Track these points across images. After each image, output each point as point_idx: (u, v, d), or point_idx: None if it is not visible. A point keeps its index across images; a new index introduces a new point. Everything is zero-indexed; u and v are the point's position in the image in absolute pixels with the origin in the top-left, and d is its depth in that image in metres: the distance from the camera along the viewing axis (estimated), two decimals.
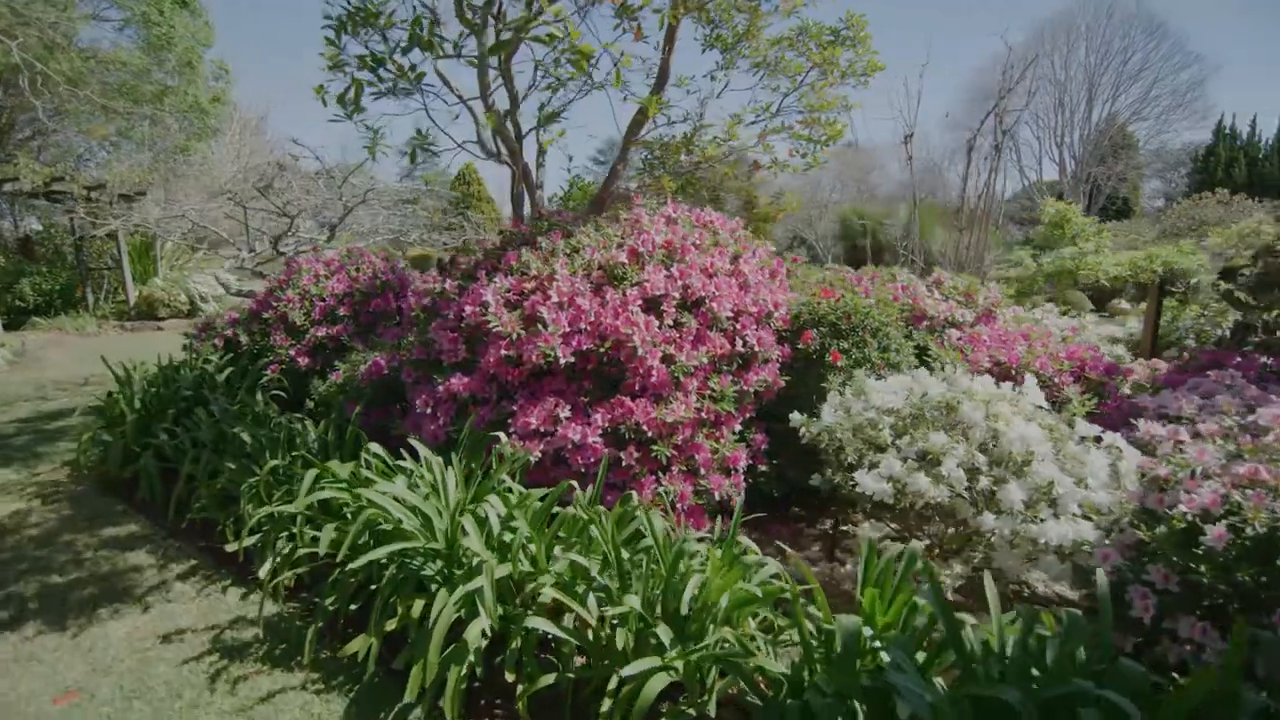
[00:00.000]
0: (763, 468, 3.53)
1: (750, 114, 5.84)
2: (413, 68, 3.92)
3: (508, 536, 2.39)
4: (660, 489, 3.03)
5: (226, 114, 12.79)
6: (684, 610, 2.03)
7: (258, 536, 3.05)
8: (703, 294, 3.33)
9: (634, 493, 2.95)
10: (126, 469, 4.27)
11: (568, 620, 2.22)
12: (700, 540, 2.62)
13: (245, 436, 3.56)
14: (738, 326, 3.38)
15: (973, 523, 2.57)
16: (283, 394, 4.89)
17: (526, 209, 5.32)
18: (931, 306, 4.19)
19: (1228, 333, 6.04)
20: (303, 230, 6.81)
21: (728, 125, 5.61)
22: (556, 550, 2.37)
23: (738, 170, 6.16)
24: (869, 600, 1.95)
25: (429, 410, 3.20)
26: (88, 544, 3.62)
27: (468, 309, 3.23)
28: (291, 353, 5.23)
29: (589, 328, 3.07)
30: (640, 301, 3.18)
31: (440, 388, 3.19)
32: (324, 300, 5.41)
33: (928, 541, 3.01)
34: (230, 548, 3.02)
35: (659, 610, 2.15)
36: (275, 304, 5.39)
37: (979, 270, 7.22)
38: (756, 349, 3.37)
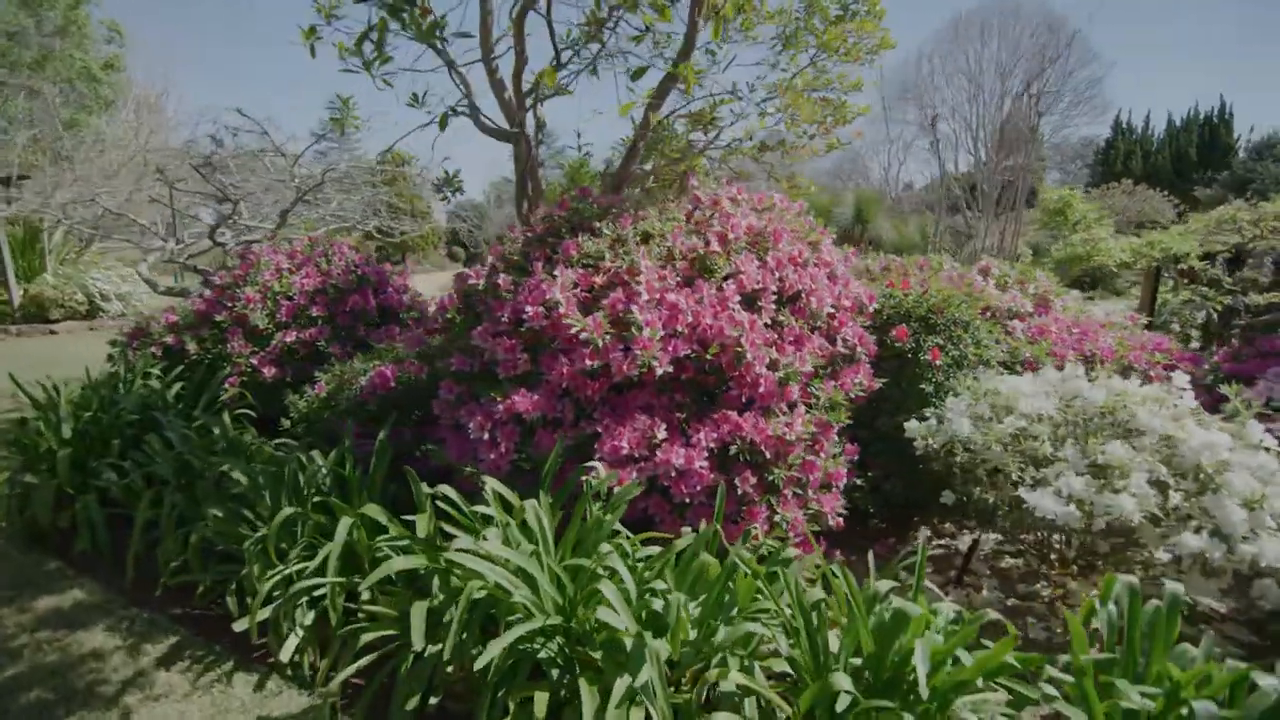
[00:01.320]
0: (858, 482, 3.15)
1: (763, 91, 5.43)
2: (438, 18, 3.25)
3: (657, 603, 1.87)
4: (778, 517, 2.58)
5: (123, 85, 11.17)
6: (922, 689, 1.60)
7: (271, 607, 2.38)
8: (799, 287, 2.89)
9: (755, 525, 2.50)
10: (60, 517, 3.39)
11: (748, 709, 1.74)
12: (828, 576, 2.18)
13: (239, 475, 2.82)
14: (835, 324, 2.97)
15: (1152, 543, 2.27)
16: (250, 412, 4.08)
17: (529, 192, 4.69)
18: (995, 297, 3.93)
19: (1215, 315, 6.22)
20: (244, 217, 5.85)
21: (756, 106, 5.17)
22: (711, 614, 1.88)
23: (762, 153, 5.74)
24: (1161, 668, 1.58)
25: (486, 435, 2.60)
26: (20, 623, 2.79)
27: (529, 309, 2.65)
28: (254, 361, 4.40)
29: (686, 330, 2.57)
30: (738, 298, 2.71)
31: (500, 406, 2.60)
32: (291, 298, 4.59)
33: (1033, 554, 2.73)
34: (239, 626, 2.32)
35: (869, 684, 1.71)
36: (231, 304, 4.53)
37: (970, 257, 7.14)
38: (857, 348, 2.97)
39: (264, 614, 2.37)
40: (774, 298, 2.81)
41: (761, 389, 2.61)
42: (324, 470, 2.88)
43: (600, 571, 1.98)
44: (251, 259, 4.74)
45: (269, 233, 5.64)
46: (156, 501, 3.16)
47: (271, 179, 5.93)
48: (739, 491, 2.52)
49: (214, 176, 5.51)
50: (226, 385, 4.27)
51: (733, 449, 2.56)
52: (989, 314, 3.90)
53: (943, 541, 3.29)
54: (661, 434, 2.52)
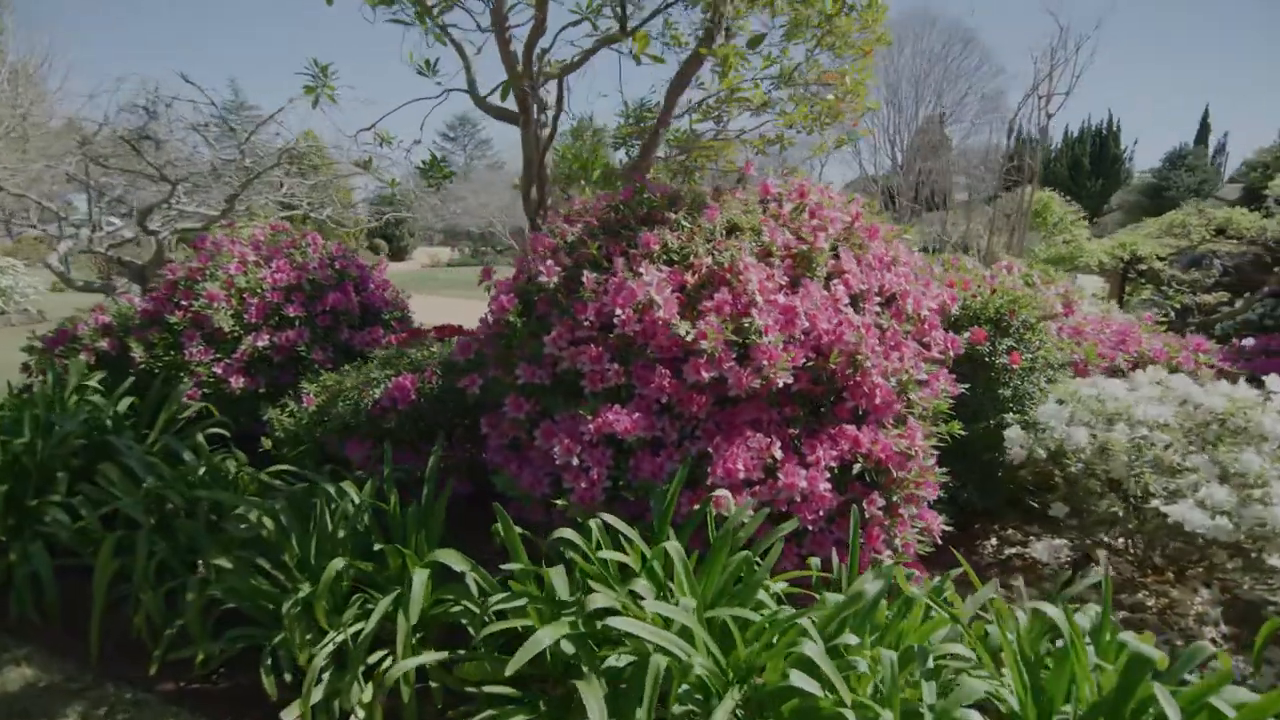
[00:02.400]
0: (940, 494, 2.99)
1: (763, 81, 5.21)
2: None
3: (859, 663, 1.58)
4: (897, 540, 2.36)
5: None
6: None
7: (322, 686, 1.92)
8: (894, 288, 2.68)
9: (877, 551, 2.27)
10: None
11: None
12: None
13: (255, 516, 2.28)
14: (925, 327, 2.78)
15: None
16: (221, 430, 3.45)
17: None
18: (1043, 299, 3.90)
19: (1173, 314, 6.62)
20: (180, 200, 4.98)
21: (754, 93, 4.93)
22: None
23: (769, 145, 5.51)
24: None
25: (575, 460, 2.21)
26: None
27: (620, 312, 2.28)
28: (218, 370, 3.75)
29: (801, 336, 2.30)
30: (846, 300, 2.46)
31: (590, 426, 2.22)
32: (261, 296, 3.95)
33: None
34: (290, 716, 1.84)
35: None
36: (187, 302, 3.83)
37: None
38: (949, 352, 2.80)
39: (317, 694, 1.89)
40: (878, 300, 2.58)
41: (878, 399, 2.37)
42: (356, 504, 2.39)
43: (766, 625, 1.68)
44: (213, 247, 4.04)
45: (214, 220, 4.86)
46: (127, 545, 2.55)
47: (222, 156, 5.11)
48: (865, 514, 2.28)
49: (143, 153, 4.64)
50: (187, 399, 3.60)
51: (856, 467, 2.31)
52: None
53: (1013, 549, 3.20)
54: (778, 453, 2.24)
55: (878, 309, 2.58)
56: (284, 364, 3.92)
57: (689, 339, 2.17)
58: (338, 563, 2.02)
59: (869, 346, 2.33)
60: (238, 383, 3.77)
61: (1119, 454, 2.35)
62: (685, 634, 1.61)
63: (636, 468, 2.25)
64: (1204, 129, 29.37)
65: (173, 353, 3.79)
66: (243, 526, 2.35)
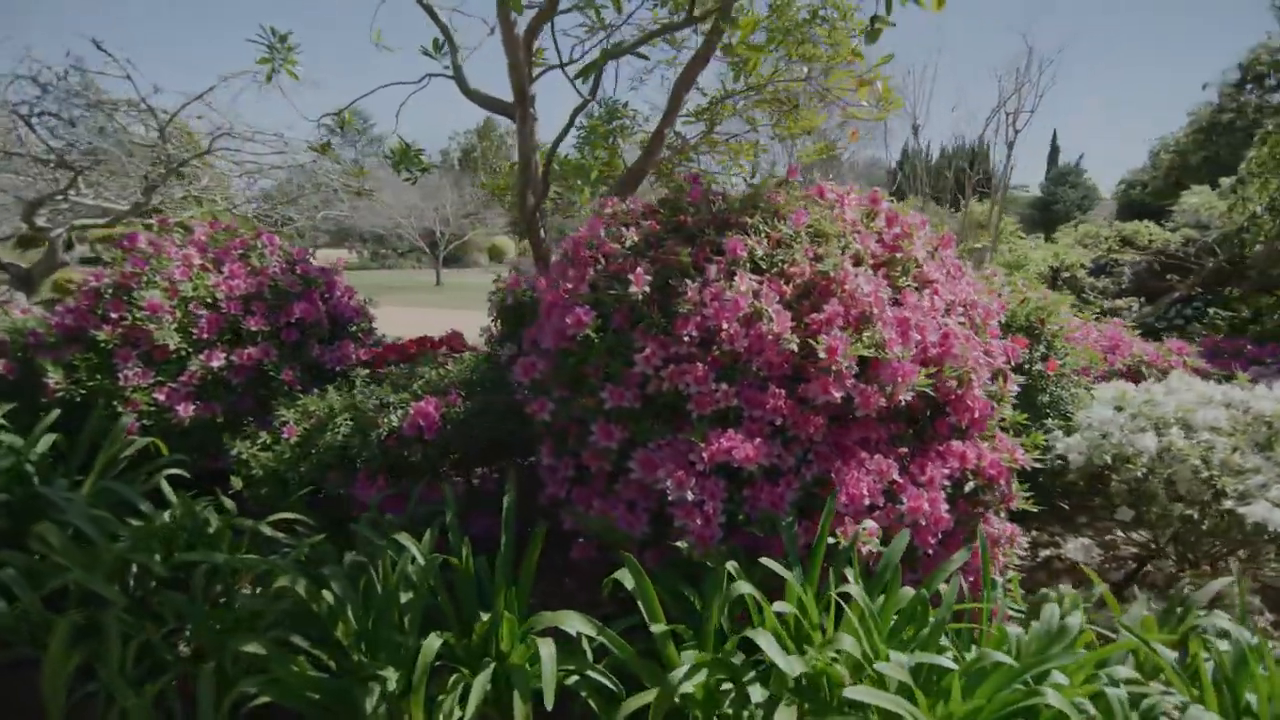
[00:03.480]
0: None
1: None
2: None
3: (1089, 708, 1.45)
4: (1004, 559, 2.30)
5: None
6: None
7: None
8: (965, 298, 2.64)
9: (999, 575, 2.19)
10: None
11: None
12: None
13: (300, 587, 1.82)
14: (988, 336, 2.76)
15: None
16: (181, 471, 2.83)
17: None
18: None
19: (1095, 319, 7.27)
20: (80, 191, 4.07)
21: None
22: None
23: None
24: None
25: (689, 495, 1.95)
26: None
27: (727, 325, 2.05)
28: (160, 396, 3.11)
29: (914, 350, 2.17)
30: (942, 311, 2.38)
31: (704, 454, 1.97)
32: (214, 306, 3.33)
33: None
34: None
35: None
36: (119, 315, 3.14)
37: None
38: (1010, 362, 2.80)
39: None
40: (960, 311, 2.52)
41: (977, 413, 2.30)
42: (415, 558, 1.98)
43: (968, 671, 1.52)
44: (151, 248, 3.35)
45: (122, 216, 4.05)
46: (85, 632, 1.99)
47: (135, 140, 4.24)
48: (983, 534, 2.19)
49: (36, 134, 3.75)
50: (130, 434, 2.93)
51: (969, 485, 2.22)
52: None
53: (1047, 551, 3.27)
54: (897, 475, 2.11)
55: (961, 320, 2.52)
56: (244, 387, 3.32)
57: (821, 355, 1.98)
58: (434, 640, 1.63)
59: (974, 360, 2.25)
60: (186, 411, 3.14)
61: (1191, 458, 2.43)
62: (905, 691, 1.42)
63: (754, 498, 2.03)
64: (1054, 151, 33.23)
65: (100, 376, 3.09)
66: (244, 592, 1.88)
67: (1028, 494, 2.35)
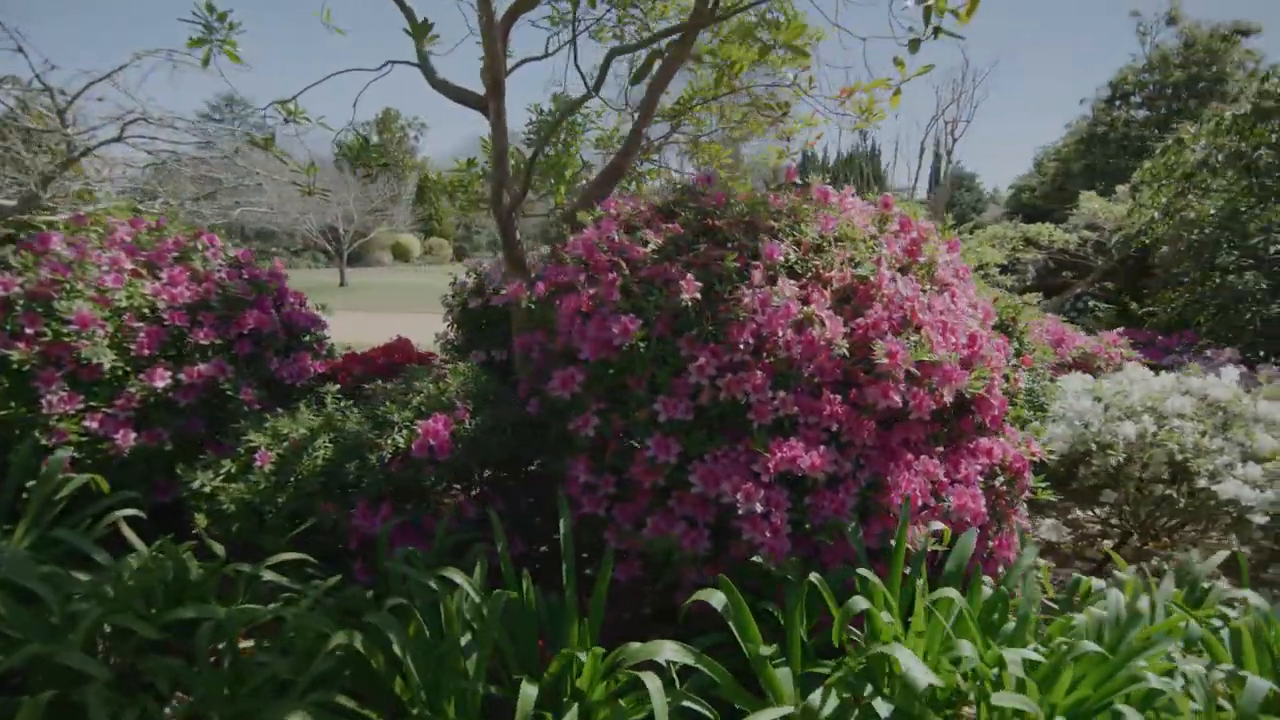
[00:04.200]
0: None
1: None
2: None
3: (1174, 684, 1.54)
4: (1018, 547, 2.42)
5: None
6: None
7: None
8: (973, 301, 2.76)
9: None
10: None
11: None
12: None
13: (340, 636, 1.59)
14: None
15: None
16: (136, 512, 2.44)
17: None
18: None
19: None
20: None
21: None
22: None
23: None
24: None
25: (757, 506, 1.89)
26: None
27: (782, 332, 2.01)
28: (92, 424, 2.68)
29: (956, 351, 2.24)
30: (966, 313, 2.46)
31: (770, 463, 1.92)
32: (154, 317, 2.90)
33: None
34: None
35: None
36: (35, 330, 2.66)
37: None
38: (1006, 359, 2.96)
39: None
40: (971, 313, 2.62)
41: (997, 410, 2.41)
42: (468, 593, 1.79)
43: (1057, 661, 1.58)
44: (64, 254, 2.85)
45: (8, 213, 3.40)
46: (59, 714, 1.66)
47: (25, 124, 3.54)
48: (1009, 524, 2.29)
49: None
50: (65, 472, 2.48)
51: (999, 480, 2.32)
52: None
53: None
54: (941, 474, 2.16)
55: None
56: (194, 409, 2.91)
57: (880, 360, 1.98)
58: (529, 689, 1.48)
59: (998, 361, 2.35)
60: (126, 440, 2.71)
61: (1168, 443, 2.67)
62: (1020, 689, 1.44)
63: (817, 506, 2.01)
64: (937, 158, 36.07)
65: (15, 404, 2.60)
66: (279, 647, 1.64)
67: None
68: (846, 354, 2.08)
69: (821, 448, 1.98)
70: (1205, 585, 2.15)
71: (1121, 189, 7.03)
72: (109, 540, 2.25)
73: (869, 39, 2.69)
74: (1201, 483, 2.62)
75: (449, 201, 5.19)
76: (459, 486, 2.79)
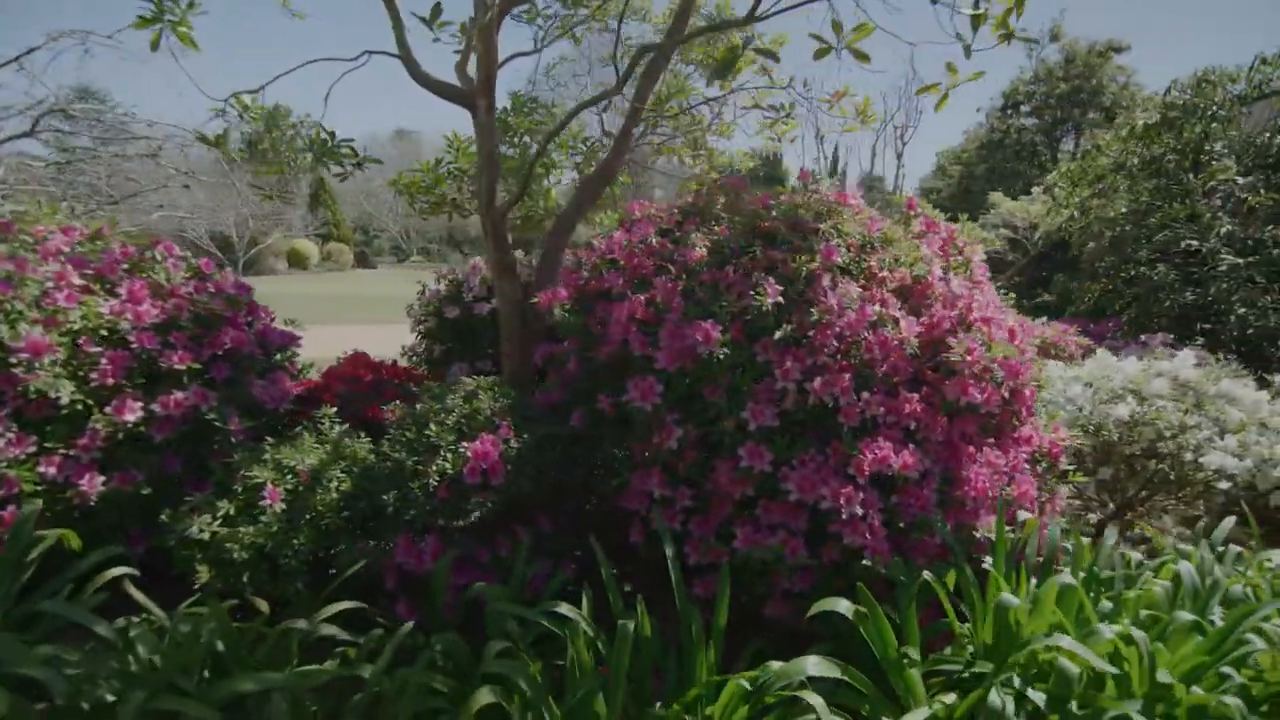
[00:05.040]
0: None
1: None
2: None
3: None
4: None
5: None
6: None
7: None
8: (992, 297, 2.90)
9: None
10: None
11: None
12: None
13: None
14: None
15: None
16: (130, 570, 2.08)
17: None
18: None
19: None
20: None
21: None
22: None
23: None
24: None
25: (857, 509, 1.87)
26: None
27: (865, 334, 2.01)
28: (49, 470, 2.28)
29: None
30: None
31: (864, 465, 1.91)
32: (120, 339, 2.51)
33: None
34: None
35: None
36: None
37: None
38: None
39: None
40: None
41: (1031, 400, 2.54)
42: (586, 632, 1.65)
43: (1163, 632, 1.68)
44: (13, 266, 2.38)
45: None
46: None
47: None
48: (1051, 507, 2.43)
49: None
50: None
51: (1041, 465, 2.45)
52: None
53: None
54: (1003, 464, 2.25)
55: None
56: (171, 445, 2.53)
57: (957, 358, 2.03)
58: None
59: (1030, 352, 2.48)
60: (92, 485, 2.32)
61: (1157, 422, 2.93)
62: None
63: (905, 504, 2.02)
64: (834, 161, 38.34)
65: None
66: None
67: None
68: (917, 352, 2.11)
69: (911, 447, 2.00)
70: (1219, 550, 2.37)
71: (1036, 190, 7.76)
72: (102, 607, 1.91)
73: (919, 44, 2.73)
74: (1189, 456, 2.90)
75: (410, 205, 4.87)
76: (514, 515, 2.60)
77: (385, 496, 2.20)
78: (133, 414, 2.41)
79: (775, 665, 1.57)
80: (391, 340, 5.22)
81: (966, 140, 15.54)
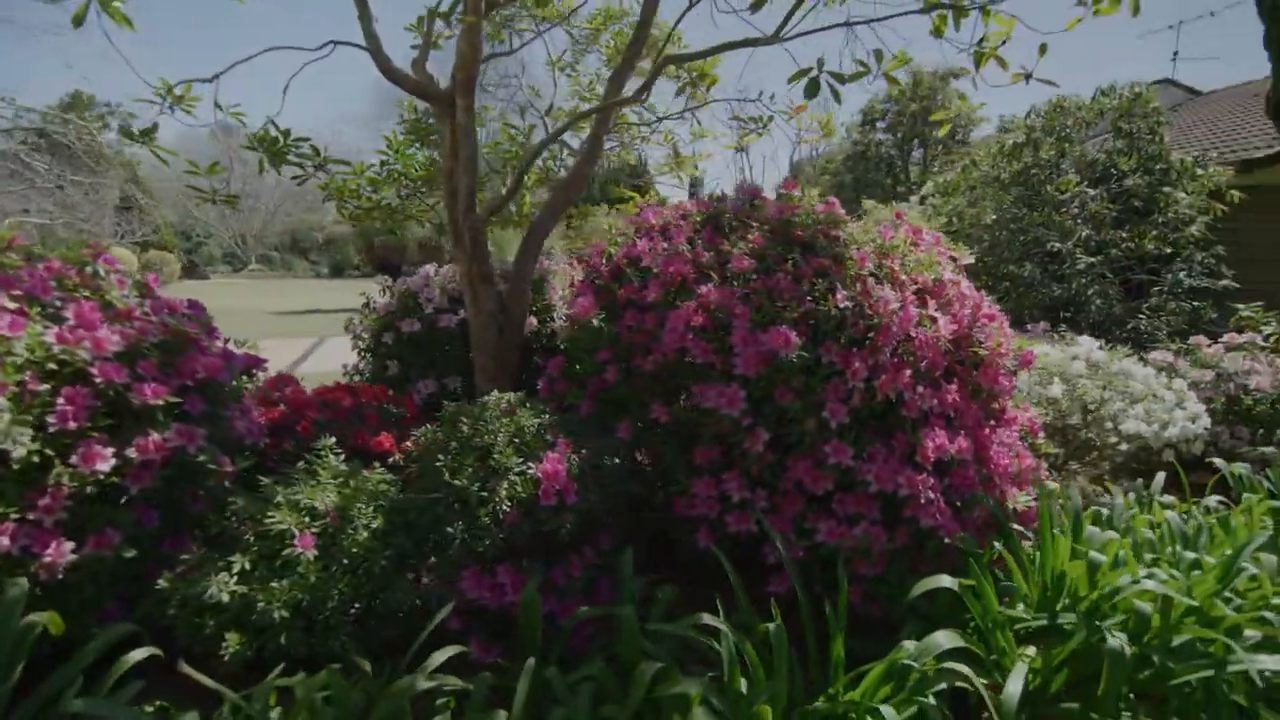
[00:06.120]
0: None
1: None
2: None
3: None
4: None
5: None
6: None
7: None
8: None
9: None
10: None
11: None
12: None
13: None
14: None
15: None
16: (155, 651, 1.74)
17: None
18: None
19: None
20: None
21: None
22: None
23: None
24: None
25: (930, 494, 2.04)
26: None
27: (914, 333, 2.19)
28: (1, 541, 1.86)
29: None
30: None
31: (928, 453, 2.08)
32: (76, 374, 2.09)
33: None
34: None
35: None
36: None
37: None
38: None
39: None
40: None
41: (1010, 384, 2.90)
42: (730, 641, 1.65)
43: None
44: None
45: None
46: None
47: None
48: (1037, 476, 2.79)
49: None
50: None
51: (1027, 441, 2.79)
52: None
53: None
54: (1012, 442, 2.55)
55: None
56: (148, 495, 2.13)
57: (983, 352, 2.27)
58: None
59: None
60: (60, 554, 1.90)
61: (1085, 398, 3.46)
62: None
63: (957, 484, 2.23)
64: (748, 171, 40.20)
65: None
66: None
67: None
68: (950, 347, 2.34)
69: (961, 433, 2.22)
70: (1145, 498, 2.87)
71: (914, 199, 8.77)
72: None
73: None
74: (1109, 424, 3.47)
75: (340, 211, 4.46)
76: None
77: (450, 529, 2.03)
78: (104, 462, 1.99)
79: (910, 644, 1.68)
80: (283, 356, 4.71)
81: (831, 152, 17.26)
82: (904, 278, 2.53)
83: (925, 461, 2.13)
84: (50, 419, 1.95)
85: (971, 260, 3.24)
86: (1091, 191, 5.53)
